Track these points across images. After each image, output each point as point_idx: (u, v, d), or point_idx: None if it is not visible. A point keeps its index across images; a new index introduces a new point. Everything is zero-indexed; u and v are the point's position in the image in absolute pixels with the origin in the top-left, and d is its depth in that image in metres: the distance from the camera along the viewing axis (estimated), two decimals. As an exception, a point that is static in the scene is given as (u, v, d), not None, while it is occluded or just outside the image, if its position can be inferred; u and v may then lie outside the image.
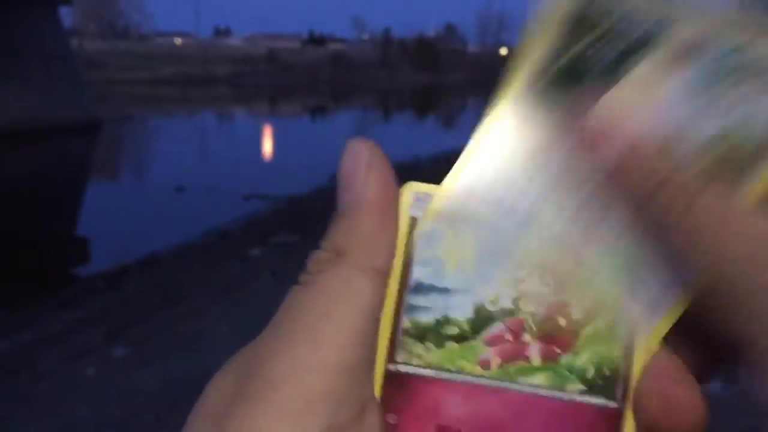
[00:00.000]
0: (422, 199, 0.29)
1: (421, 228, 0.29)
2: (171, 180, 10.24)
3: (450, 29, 76.36)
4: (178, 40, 76.12)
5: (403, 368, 0.28)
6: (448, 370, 0.28)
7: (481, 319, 0.28)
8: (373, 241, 0.27)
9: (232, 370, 0.27)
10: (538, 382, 0.28)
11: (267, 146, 17.22)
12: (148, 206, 9.27)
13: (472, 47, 74.72)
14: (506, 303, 0.28)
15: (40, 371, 3.74)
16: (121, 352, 3.87)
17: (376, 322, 0.27)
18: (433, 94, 40.29)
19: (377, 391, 0.28)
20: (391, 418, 0.28)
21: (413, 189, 0.29)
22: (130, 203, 9.62)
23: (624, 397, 0.28)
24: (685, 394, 0.27)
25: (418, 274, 0.28)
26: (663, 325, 0.28)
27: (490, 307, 0.28)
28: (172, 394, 3.13)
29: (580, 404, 0.28)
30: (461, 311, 0.28)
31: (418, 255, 0.29)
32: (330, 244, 0.28)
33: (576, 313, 0.28)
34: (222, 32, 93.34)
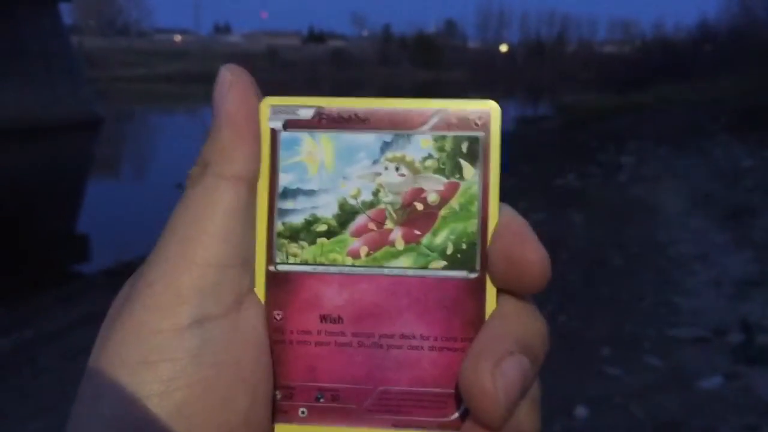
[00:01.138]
0: (281, 112, 0.32)
1: (282, 137, 0.31)
2: (171, 177, 10.21)
3: (450, 25, 76.22)
4: (178, 37, 76.00)
5: (282, 268, 0.31)
6: (323, 264, 0.31)
7: (346, 214, 0.31)
8: (232, 150, 0.30)
9: (127, 283, 0.31)
10: (404, 264, 0.31)
11: (267, 143, 17.19)
12: (149, 203, 9.26)
13: (473, 43, 74.57)
14: (367, 196, 0.31)
15: (40, 368, 3.74)
16: (121, 349, 3.87)
17: (240, 223, 0.30)
18: (433, 91, 40.24)
19: (260, 292, 0.31)
20: (277, 315, 0.31)
21: (271, 102, 0.32)
22: (131, 200, 9.61)
23: (483, 266, 0.31)
24: (527, 251, 0.29)
25: (284, 180, 0.31)
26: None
27: (353, 202, 0.31)
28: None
29: (444, 279, 0.31)
30: (327, 209, 0.31)
31: (282, 162, 0.31)
32: (200, 158, 0.31)
33: (431, 198, 0.31)
34: (222, 29, 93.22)
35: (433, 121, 0.31)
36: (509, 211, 0.31)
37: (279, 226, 0.31)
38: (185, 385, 0.28)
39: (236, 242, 0.30)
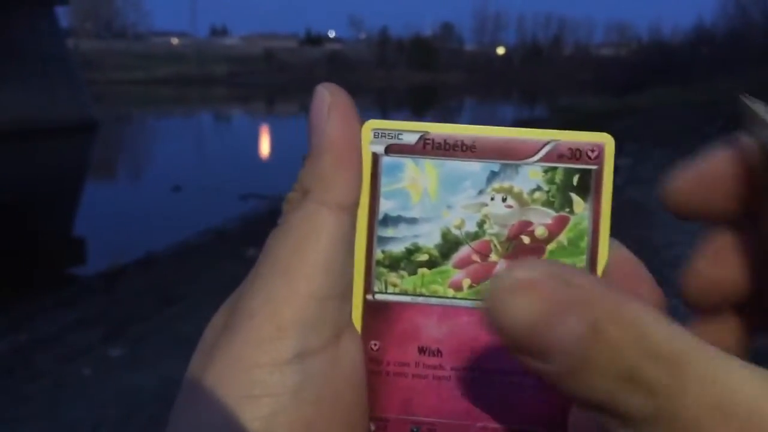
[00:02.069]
0: (384, 135, 0.30)
1: (385, 162, 0.30)
2: (168, 180, 10.23)
3: (447, 28, 76.35)
4: (174, 40, 76.00)
5: (380, 297, 0.30)
6: (423, 295, 0.30)
7: (449, 244, 0.30)
8: (335, 177, 0.29)
9: (223, 309, 0.30)
10: None
11: (264, 146, 17.21)
12: (145, 206, 9.26)
13: (469, 46, 74.72)
14: (471, 227, 0.30)
15: (36, 371, 3.73)
16: (117, 352, 3.87)
17: (341, 252, 0.29)
18: (430, 94, 40.29)
19: (357, 321, 0.30)
20: (374, 345, 0.30)
21: (374, 126, 0.31)
22: (127, 203, 9.60)
23: None
24: (644, 292, 0.29)
25: (385, 206, 0.30)
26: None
27: (456, 232, 0.30)
28: (169, 394, 3.13)
29: None
30: (429, 239, 0.30)
31: (384, 188, 0.30)
32: (298, 184, 0.30)
33: (538, 231, 0.30)
34: (219, 32, 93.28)
35: (544, 151, 0.30)
36: (621, 248, 0.30)
37: (379, 254, 0.30)
38: (286, 422, 0.27)
39: (337, 273, 0.29)
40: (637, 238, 5.01)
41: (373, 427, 0.30)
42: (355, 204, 0.30)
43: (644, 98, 16.33)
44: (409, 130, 0.30)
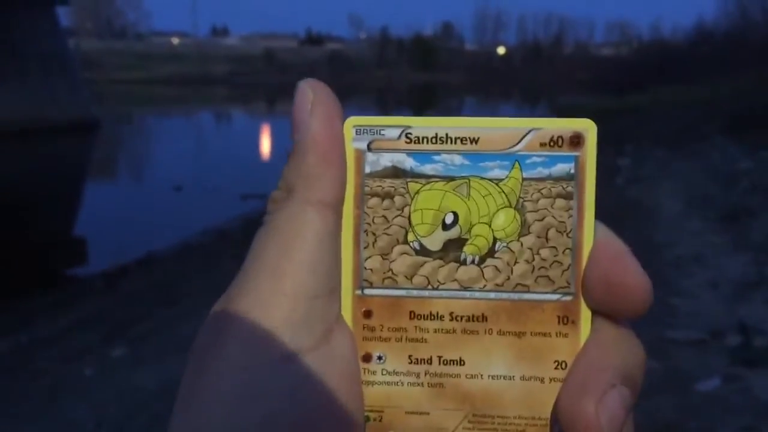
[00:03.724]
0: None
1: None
2: (169, 179, 10.23)
3: (447, 28, 76.29)
4: (175, 40, 75.98)
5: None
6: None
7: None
8: (318, 175, 0.29)
9: (214, 309, 0.30)
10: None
11: (265, 146, 17.19)
12: (146, 206, 9.26)
13: (470, 46, 74.69)
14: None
15: (37, 371, 3.73)
16: (119, 352, 3.87)
17: (328, 250, 0.29)
18: (430, 93, 40.26)
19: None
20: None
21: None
22: (128, 203, 9.60)
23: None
24: (628, 276, 0.29)
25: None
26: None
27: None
28: (170, 394, 3.13)
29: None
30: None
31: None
32: (283, 182, 0.30)
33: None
34: (219, 32, 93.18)
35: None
36: (606, 232, 0.30)
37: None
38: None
39: (325, 271, 0.29)
40: (637, 238, 5.01)
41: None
42: (340, 201, 0.30)
43: (644, 98, 16.31)
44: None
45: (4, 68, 15.29)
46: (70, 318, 4.63)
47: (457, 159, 0.30)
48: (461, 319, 0.30)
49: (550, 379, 0.30)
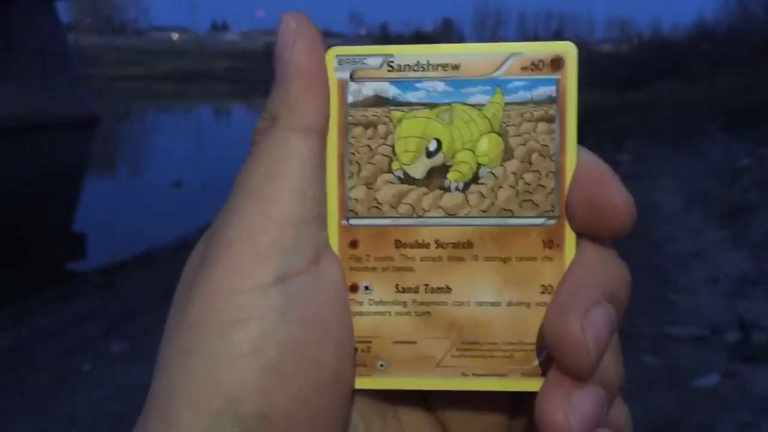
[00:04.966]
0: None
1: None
2: (168, 175, 10.23)
3: (448, 24, 76.18)
4: (175, 36, 75.85)
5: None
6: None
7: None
8: (303, 102, 0.29)
9: (201, 243, 0.30)
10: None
11: (264, 142, 17.17)
12: (145, 202, 9.26)
13: (470, 43, 74.58)
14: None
15: (37, 366, 3.74)
16: (118, 347, 3.87)
17: (314, 176, 0.29)
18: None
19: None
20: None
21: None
22: (127, 199, 9.60)
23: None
24: (611, 195, 0.29)
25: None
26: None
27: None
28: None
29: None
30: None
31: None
32: (267, 112, 0.30)
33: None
34: (219, 27, 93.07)
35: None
36: (589, 155, 0.30)
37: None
38: (276, 343, 0.27)
39: (312, 197, 0.29)
40: (638, 234, 5.01)
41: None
42: (325, 128, 0.30)
43: (645, 94, 16.30)
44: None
45: (3, 64, 15.27)
46: (69, 313, 4.63)
47: (440, 86, 0.30)
48: (447, 246, 0.31)
49: (537, 304, 0.30)
